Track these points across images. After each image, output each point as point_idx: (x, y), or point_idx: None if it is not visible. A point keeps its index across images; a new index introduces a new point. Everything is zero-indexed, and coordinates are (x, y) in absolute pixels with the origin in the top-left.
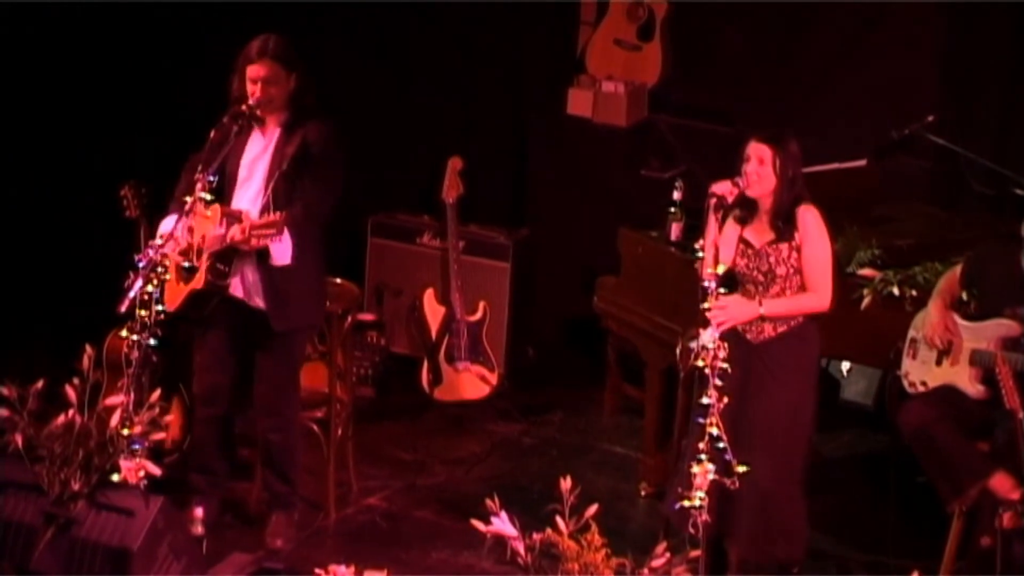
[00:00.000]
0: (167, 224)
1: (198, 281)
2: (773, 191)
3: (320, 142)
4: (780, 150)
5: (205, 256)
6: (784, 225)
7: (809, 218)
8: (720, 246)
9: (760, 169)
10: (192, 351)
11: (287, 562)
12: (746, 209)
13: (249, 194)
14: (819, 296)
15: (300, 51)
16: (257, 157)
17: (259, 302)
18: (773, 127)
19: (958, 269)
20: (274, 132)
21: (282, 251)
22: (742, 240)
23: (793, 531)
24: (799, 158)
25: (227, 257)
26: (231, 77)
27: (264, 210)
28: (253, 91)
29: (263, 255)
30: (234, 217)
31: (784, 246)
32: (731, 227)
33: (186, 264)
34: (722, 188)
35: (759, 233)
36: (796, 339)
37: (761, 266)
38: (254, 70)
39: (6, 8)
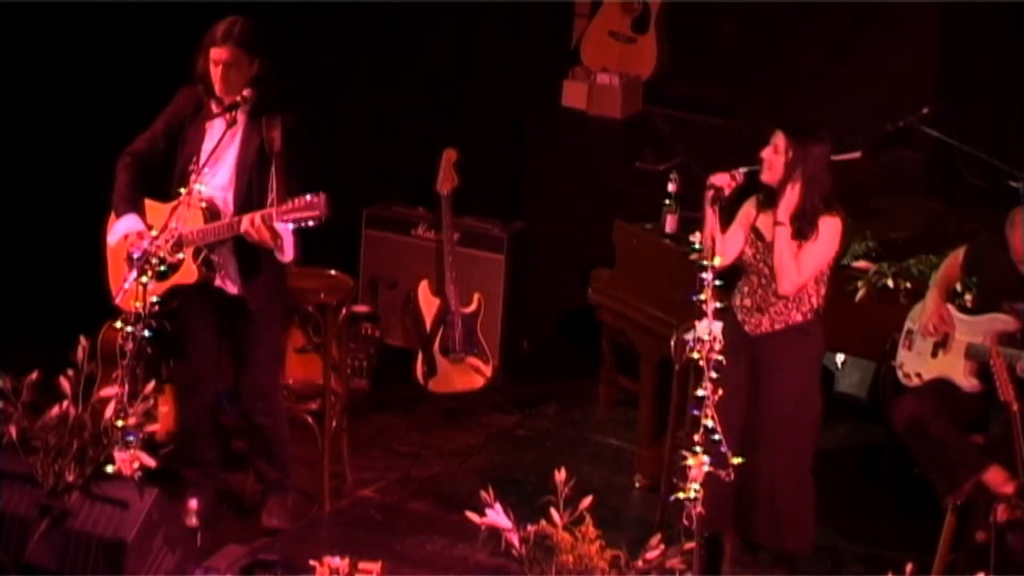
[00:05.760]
0: (125, 224)
1: (189, 275)
2: (779, 180)
3: (296, 132)
4: (797, 143)
5: (191, 250)
6: (805, 228)
7: (828, 227)
8: (736, 229)
9: (773, 156)
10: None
11: (281, 553)
12: (768, 196)
13: (217, 181)
14: (793, 277)
15: (279, 41)
16: (224, 145)
17: (234, 288)
18: (807, 123)
19: (960, 253)
20: (240, 119)
21: (289, 246)
22: (754, 230)
23: (801, 522)
24: (821, 161)
25: (218, 249)
26: (196, 55)
27: (243, 197)
28: (214, 73)
29: (246, 245)
30: (213, 208)
31: (796, 247)
32: (747, 212)
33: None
34: (720, 180)
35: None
36: (800, 332)
37: (769, 260)
38: (216, 52)
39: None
